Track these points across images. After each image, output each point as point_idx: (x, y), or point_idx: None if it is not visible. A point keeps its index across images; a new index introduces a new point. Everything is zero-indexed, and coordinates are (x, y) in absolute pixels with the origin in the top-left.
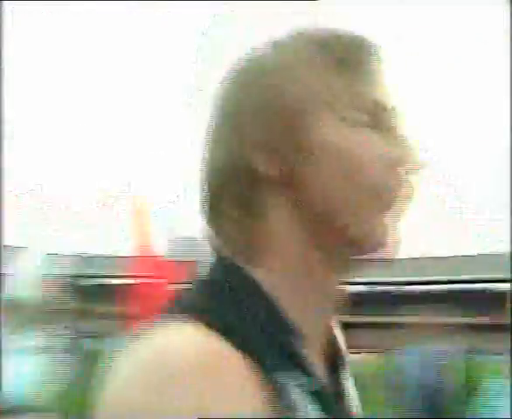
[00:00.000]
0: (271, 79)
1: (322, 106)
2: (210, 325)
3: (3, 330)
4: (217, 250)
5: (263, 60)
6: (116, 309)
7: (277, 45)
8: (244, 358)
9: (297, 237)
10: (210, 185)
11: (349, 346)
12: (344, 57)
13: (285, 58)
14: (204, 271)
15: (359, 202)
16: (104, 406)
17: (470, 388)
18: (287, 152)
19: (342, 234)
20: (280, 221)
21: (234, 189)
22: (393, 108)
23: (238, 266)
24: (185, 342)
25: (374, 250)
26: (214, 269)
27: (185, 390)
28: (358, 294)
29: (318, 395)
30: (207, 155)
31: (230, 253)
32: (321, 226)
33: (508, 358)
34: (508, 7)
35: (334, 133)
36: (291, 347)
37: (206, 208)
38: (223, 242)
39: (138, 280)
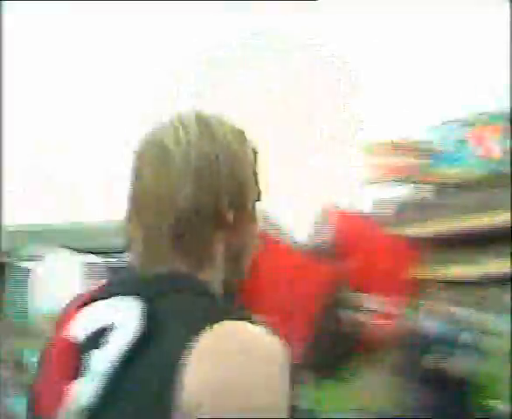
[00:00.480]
0: (235, 156)
1: (251, 186)
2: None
3: None
4: (172, 265)
5: (223, 134)
6: None
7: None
8: None
9: (221, 262)
10: (175, 219)
11: None
12: (254, 155)
13: (239, 142)
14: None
15: (249, 255)
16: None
17: None
18: (238, 207)
19: (236, 270)
20: (218, 249)
21: (200, 225)
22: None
23: (195, 276)
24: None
25: (237, 285)
26: (174, 278)
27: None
28: None
29: None
30: (167, 193)
31: (186, 267)
32: (232, 261)
33: None
34: (508, 7)
35: (251, 207)
36: None
37: (169, 235)
38: (180, 259)
39: None
